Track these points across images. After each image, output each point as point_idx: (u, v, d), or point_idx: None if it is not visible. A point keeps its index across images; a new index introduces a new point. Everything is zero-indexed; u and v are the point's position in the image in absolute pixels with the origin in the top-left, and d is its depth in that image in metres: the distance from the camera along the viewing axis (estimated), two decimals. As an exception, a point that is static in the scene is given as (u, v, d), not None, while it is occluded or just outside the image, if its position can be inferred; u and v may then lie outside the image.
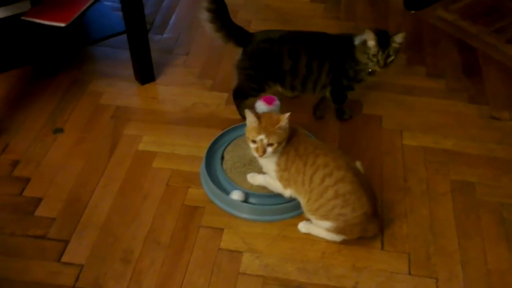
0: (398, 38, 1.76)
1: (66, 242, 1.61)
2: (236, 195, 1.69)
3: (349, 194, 1.51)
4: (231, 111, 2.04)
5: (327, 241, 1.61)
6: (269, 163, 1.59)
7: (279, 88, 1.93)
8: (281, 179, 1.59)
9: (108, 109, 2.05)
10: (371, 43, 1.76)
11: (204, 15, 1.80)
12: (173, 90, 2.14)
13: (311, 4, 2.60)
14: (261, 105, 1.73)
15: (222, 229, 1.66)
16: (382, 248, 1.62)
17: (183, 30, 2.44)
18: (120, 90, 2.13)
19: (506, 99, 2.12)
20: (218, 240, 1.63)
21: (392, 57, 1.79)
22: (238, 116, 1.99)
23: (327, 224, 1.55)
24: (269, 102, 1.73)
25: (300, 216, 1.67)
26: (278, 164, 1.56)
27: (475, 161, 1.88)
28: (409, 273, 1.56)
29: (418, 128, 2.00)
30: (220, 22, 1.81)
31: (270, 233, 1.65)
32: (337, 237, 1.59)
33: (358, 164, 1.66)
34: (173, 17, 2.52)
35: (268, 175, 1.64)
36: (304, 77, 1.88)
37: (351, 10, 2.58)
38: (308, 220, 1.63)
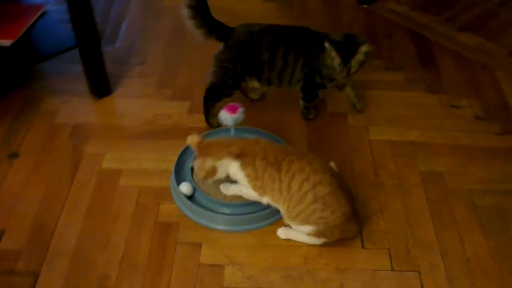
0: (363, 48, 1.74)
1: (36, 275, 1.52)
2: (184, 188, 1.66)
3: (328, 196, 1.49)
4: (195, 120, 1.98)
5: (307, 245, 1.59)
6: (238, 176, 1.55)
7: (255, 83, 1.90)
8: (255, 187, 1.55)
9: (65, 128, 1.95)
10: (333, 53, 1.75)
11: (185, 12, 1.78)
12: (132, 103, 2.06)
13: (264, 4, 2.57)
14: (224, 115, 1.69)
15: (200, 244, 1.60)
16: (363, 246, 1.61)
17: (136, 38, 2.36)
18: (75, 107, 2.03)
19: (463, 86, 2.17)
20: (197, 256, 1.57)
21: (356, 69, 1.78)
22: (203, 124, 1.94)
23: (308, 228, 1.53)
24: (232, 110, 1.69)
25: (278, 222, 1.64)
26: (247, 176, 1.53)
27: (441, 150, 1.91)
28: (392, 269, 1.56)
29: (383, 122, 2.01)
30: (201, 19, 1.79)
31: (249, 243, 1.61)
32: (317, 240, 1.57)
33: (332, 164, 1.65)
34: (123, 25, 2.43)
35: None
36: (280, 70, 1.86)
37: (304, 7, 2.57)
38: (286, 225, 1.61)
